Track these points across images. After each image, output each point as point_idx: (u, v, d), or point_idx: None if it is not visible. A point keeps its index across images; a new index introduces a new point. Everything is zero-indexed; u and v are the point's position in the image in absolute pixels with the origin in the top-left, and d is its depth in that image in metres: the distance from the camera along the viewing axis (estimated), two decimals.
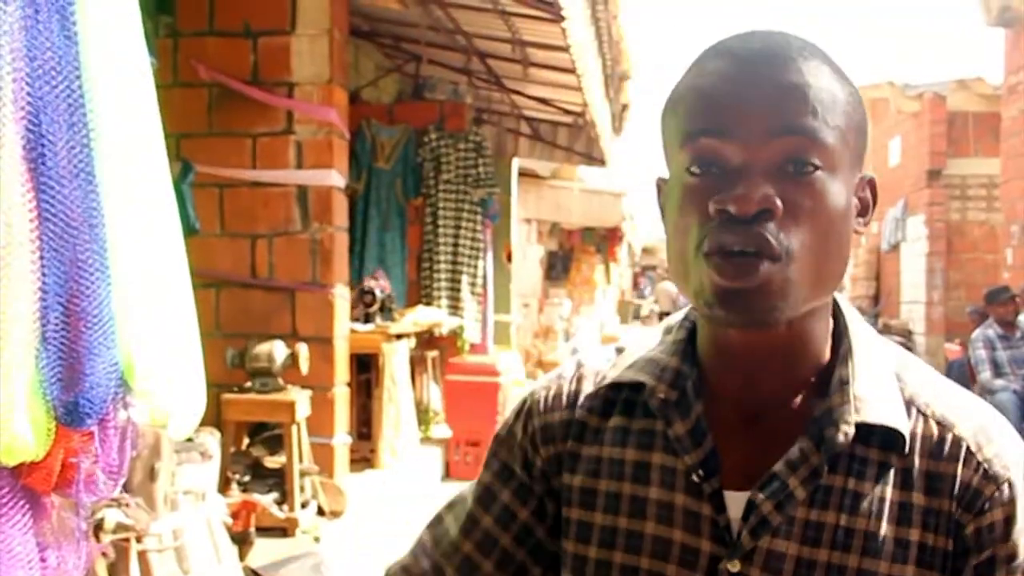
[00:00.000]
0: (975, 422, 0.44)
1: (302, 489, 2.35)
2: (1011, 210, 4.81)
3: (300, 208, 2.53)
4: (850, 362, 0.44)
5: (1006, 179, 4.94)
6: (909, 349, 6.15)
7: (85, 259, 0.66)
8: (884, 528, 0.42)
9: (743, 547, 0.43)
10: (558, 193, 6.15)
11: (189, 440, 1.90)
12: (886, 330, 6.26)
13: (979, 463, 0.43)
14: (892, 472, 0.43)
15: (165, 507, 1.69)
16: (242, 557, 2.01)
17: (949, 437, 0.43)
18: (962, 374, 4.13)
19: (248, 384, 2.35)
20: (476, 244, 3.71)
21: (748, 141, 0.41)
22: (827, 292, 0.44)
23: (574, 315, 6.83)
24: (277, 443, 2.43)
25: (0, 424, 0.63)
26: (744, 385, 0.45)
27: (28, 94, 0.63)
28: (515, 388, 3.80)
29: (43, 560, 0.71)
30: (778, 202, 0.40)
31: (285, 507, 2.30)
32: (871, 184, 0.46)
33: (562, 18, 2.52)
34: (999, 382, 3.56)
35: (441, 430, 3.51)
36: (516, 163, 4.49)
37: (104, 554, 1.45)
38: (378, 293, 3.02)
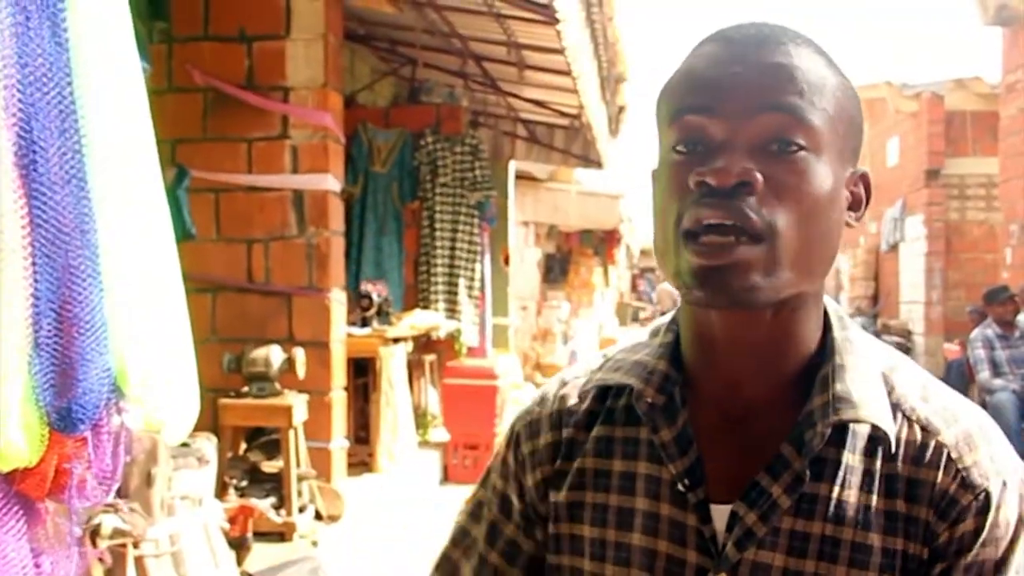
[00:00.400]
0: (961, 428, 0.43)
1: (300, 494, 2.35)
2: (1010, 209, 4.80)
3: (296, 212, 2.52)
4: (834, 361, 0.43)
5: (1005, 178, 4.93)
6: (908, 349, 6.15)
7: (77, 265, 0.66)
8: (871, 538, 0.42)
9: (729, 559, 0.43)
10: (555, 196, 6.15)
11: (186, 445, 1.89)
12: (885, 330, 6.26)
13: (958, 471, 0.42)
14: (876, 479, 0.42)
15: (162, 512, 1.68)
16: (240, 562, 2.00)
17: (932, 443, 0.42)
18: (961, 374, 4.13)
19: (245, 389, 2.35)
20: (473, 247, 3.70)
21: (731, 117, 0.40)
22: (812, 278, 0.42)
23: (572, 317, 6.83)
24: (274, 448, 2.43)
25: None
26: (728, 385, 0.44)
27: (19, 100, 0.63)
28: (513, 391, 3.80)
29: (37, 566, 0.71)
30: (758, 176, 0.39)
31: (283, 512, 2.29)
32: (864, 179, 0.45)
33: (557, 20, 2.52)
34: (998, 382, 3.55)
35: (439, 434, 3.50)
36: (513, 166, 4.49)
37: (101, 560, 1.45)
38: (375, 297, 3.02)
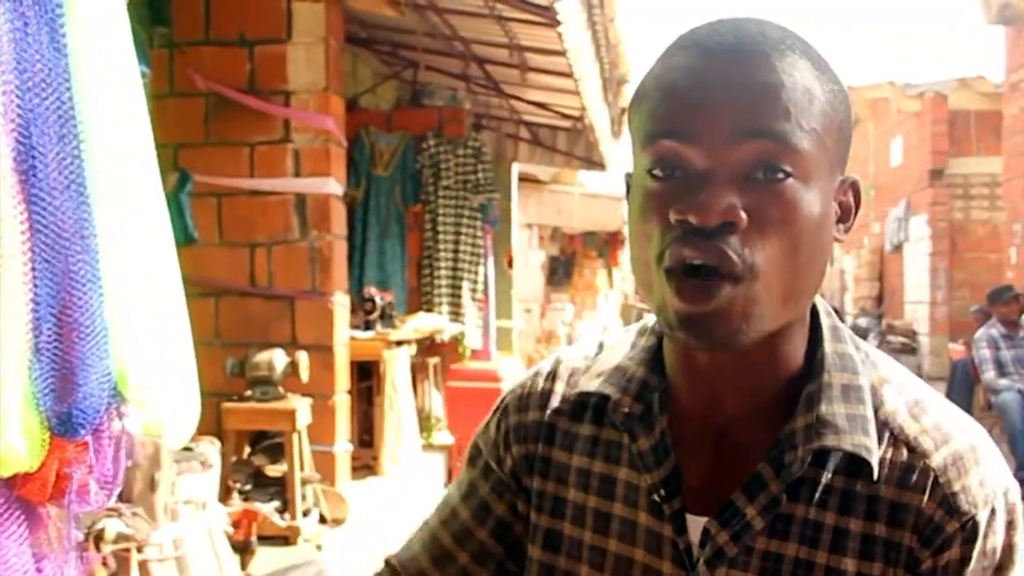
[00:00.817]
0: (951, 450, 0.41)
1: (304, 497, 2.35)
2: (1014, 209, 4.79)
3: (298, 216, 2.52)
4: (821, 379, 0.42)
5: (1008, 178, 4.92)
6: (913, 350, 6.12)
7: (77, 270, 0.66)
8: (845, 562, 0.40)
9: None
10: (559, 198, 6.14)
11: (189, 449, 1.89)
12: (890, 331, 6.23)
13: (945, 496, 0.40)
14: (857, 501, 0.41)
15: (166, 517, 1.68)
16: (243, 566, 2.00)
17: (919, 465, 0.41)
18: (966, 374, 4.10)
19: (248, 393, 2.34)
20: (476, 250, 3.69)
21: (712, 145, 0.38)
22: (799, 309, 0.41)
23: (577, 320, 6.81)
24: (278, 451, 2.42)
25: None
26: (710, 400, 0.43)
27: (18, 106, 0.63)
28: None
29: (39, 571, 0.71)
30: (742, 214, 0.37)
31: (287, 516, 2.29)
32: (854, 187, 0.43)
33: (558, 22, 2.51)
34: (1003, 382, 3.52)
35: (443, 437, 3.50)
36: (516, 168, 4.47)
37: (104, 564, 1.45)
38: (378, 300, 3.01)
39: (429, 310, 3.62)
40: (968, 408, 3.59)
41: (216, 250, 2.52)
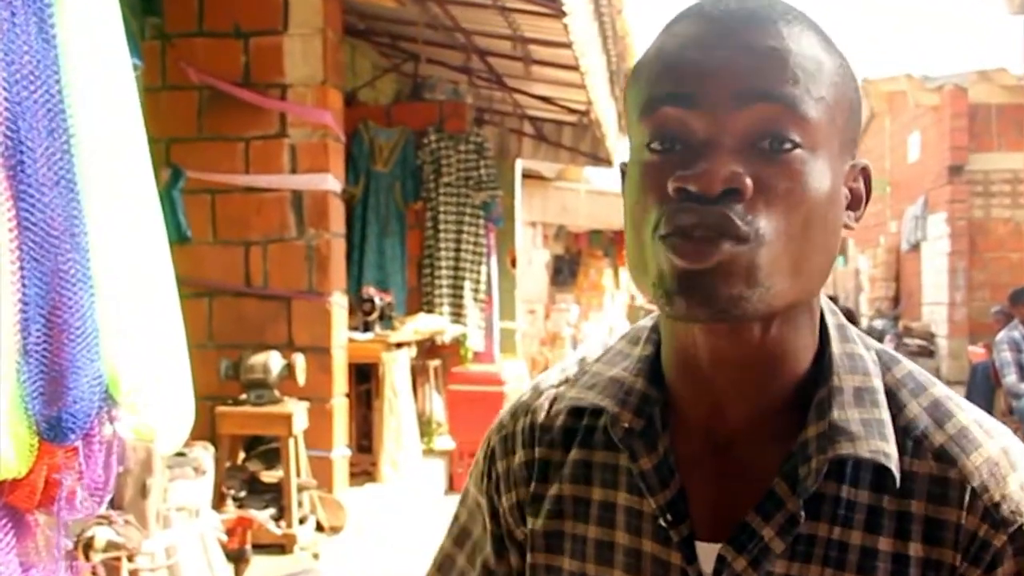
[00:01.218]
0: (983, 456, 0.38)
1: (300, 504, 2.32)
2: None
3: (295, 214, 2.47)
4: (832, 383, 0.39)
5: None
6: (931, 353, 5.97)
7: (67, 269, 0.65)
8: None
9: None
10: (564, 195, 6.08)
11: (182, 455, 1.85)
12: (907, 333, 6.11)
13: (986, 509, 0.37)
14: (885, 518, 0.38)
15: (157, 524, 1.65)
16: (238, 575, 1.94)
17: (952, 476, 0.38)
18: (986, 378, 4.01)
19: (243, 396, 2.31)
20: (479, 249, 3.66)
21: (715, 110, 0.35)
22: (806, 289, 0.38)
23: (582, 321, 6.77)
24: (274, 457, 2.38)
25: None
26: (712, 411, 0.40)
27: (5, 99, 0.61)
28: None
29: None
30: (747, 181, 0.35)
31: (282, 523, 2.27)
32: (865, 173, 0.40)
33: (563, 13, 2.44)
34: None
35: (444, 442, 3.46)
36: (519, 164, 4.45)
37: (94, 573, 1.40)
38: (377, 301, 2.95)
39: (430, 311, 3.58)
40: (988, 413, 3.48)
41: (210, 249, 2.48)
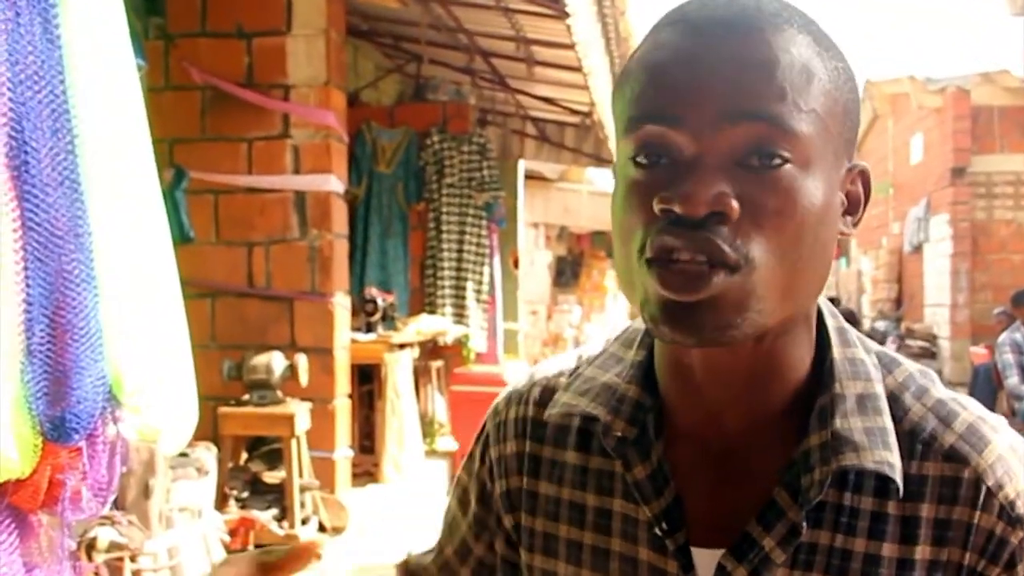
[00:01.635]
0: (994, 453, 0.38)
1: (302, 505, 2.31)
2: None
3: (298, 215, 2.47)
4: (833, 390, 0.38)
5: None
6: (933, 354, 5.94)
7: (71, 269, 0.65)
8: None
9: None
10: (566, 196, 6.08)
11: (184, 455, 1.85)
12: (909, 334, 6.10)
13: (1001, 506, 0.37)
14: (888, 524, 0.37)
15: (160, 525, 1.65)
16: None
17: (964, 476, 0.37)
18: (988, 379, 4.01)
19: (245, 397, 2.30)
20: (481, 250, 3.65)
21: (701, 129, 0.34)
22: (801, 305, 0.37)
23: (584, 322, 6.76)
24: (276, 458, 2.38)
25: None
26: (709, 419, 0.39)
27: (10, 100, 0.61)
28: None
29: None
30: (734, 203, 0.34)
31: (285, 524, 2.26)
32: (863, 175, 0.39)
33: (567, 15, 2.44)
34: None
35: (446, 443, 3.45)
36: (522, 165, 4.44)
37: (97, 574, 1.40)
38: (380, 302, 2.95)
39: (432, 312, 3.58)
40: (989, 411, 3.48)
41: (212, 249, 2.48)
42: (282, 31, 2.41)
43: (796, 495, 0.37)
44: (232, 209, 2.47)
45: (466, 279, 3.62)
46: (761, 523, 0.38)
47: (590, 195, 6.24)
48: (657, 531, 0.39)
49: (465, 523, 0.48)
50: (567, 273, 7.36)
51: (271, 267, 2.48)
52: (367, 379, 2.96)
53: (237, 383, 2.29)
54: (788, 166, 0.35)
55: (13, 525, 0.66)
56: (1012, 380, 3.50)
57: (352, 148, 3.16)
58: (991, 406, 3.90)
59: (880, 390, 0.39)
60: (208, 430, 2.16)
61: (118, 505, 1.56)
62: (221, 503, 2.15)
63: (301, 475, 2.29)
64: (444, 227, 3.59)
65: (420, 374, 3.34)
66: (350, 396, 2.63)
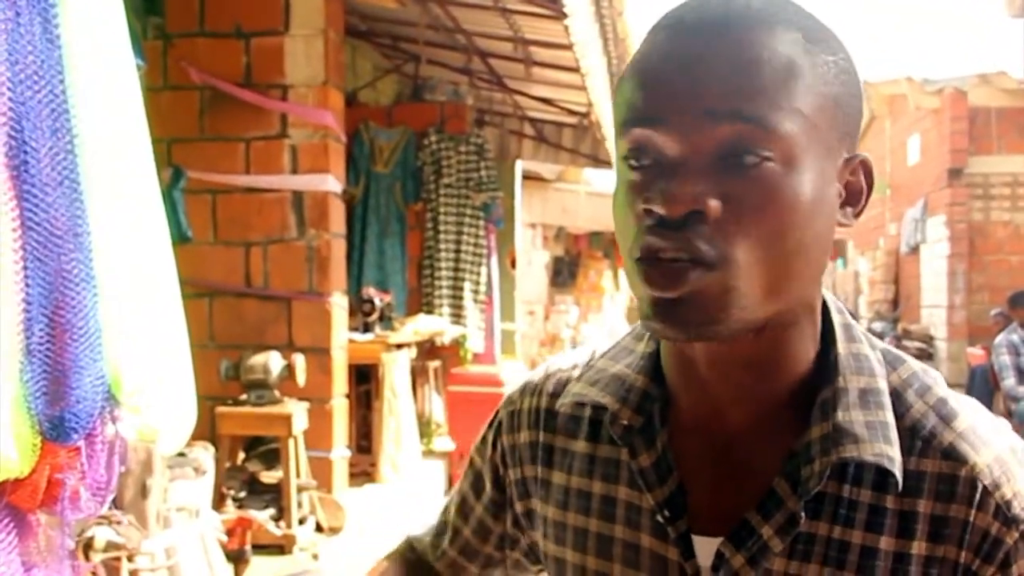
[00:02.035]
0: (992, 453, 0.38)
1: (300, 505, 2.31)
2: None
3: (296, 214, 2.47)
4: (836, 384, 0.38)
5: None
6: (929, 355, 5.96)
7: (70, 269, 0.65)
8: None
9: None
10: (564, 196, 6.08)
11: (182, 455, 1.85)
12: (906, 335, 6.10)
13: (998, 506, 0.37)
14: (887, 517, 0.38)
15: (157, 525, 1.65)
16: (238, 575, 1.94)
17: (961, 474, 0.38)
18: (985, 380, 4.01)
19: (243, 397, 2.30)
20: (479, 250, 3.65)
21: (684, 130, 0.35)
22: (795, 299, 0.38)
23: (581, 322, 6.76)
24: (273, 457, 2.38)
25: None
26: (713, 410, 0.40)
27: (9, 99, 0.61)
28: None
29: None
30: (712, 202, 0.35)
31: (282, 524, 2.25)
32: (864, 166, 0.39)
33: (565, 15, 2.44)
34: None
35: (444, 443, 3.45)
36: (520, 165, 4.43)
37: (94, 574, 1.40)
38: (377, 302, 2.95)
39: (430, 312, 3.57)
40: None
41: (210, 249, 2.47)
42: (280, 31, 2.40)
43: (796, 486, 0.38)
44: (230, 209, 2.47)
45: (463, 279, 3.62)
46: (760, 512, 0.38)
47: (588, 195, 6.24)
48: (659, 518, 0.40)
49: (480, 506, 0.49)
50: (564, 273, 7.36)
51: (269, 267, 2.48)
52: (364, 379, 2.95)
53: (235, 383, 2.29)
54: (770, 164, 0.35)
55: (12, 524, 0.66)
56: (1008, 382, 3.50)
57: (350, 148, 3.16)
58: (988, 407, 3.88)
59: (883, 385, 0.39)
60: (205, 430, 2.16)
61: (116, 505, 1.55)
62: (218, 503, 2.14)
63: (298, 475, 2.28)
64: (442, 227, 3.58)
65: (417, 374, 3.34)
66: (347, 396, 2.63)
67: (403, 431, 2.98)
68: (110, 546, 1.47)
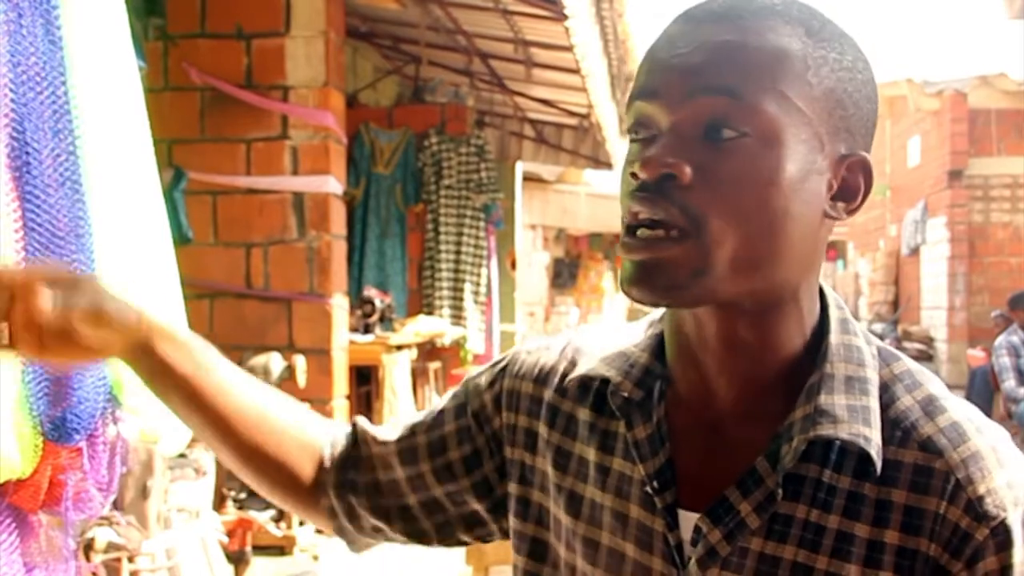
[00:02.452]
0: (971, 450, 0.38)
1: None
2: None
3: (296, 216, 2.47)
4: (824, 370, 0.39)
5: None
6: (930, 357, 5.94)
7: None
8: (848, 568, 0.37)
9: None
10: (564, 198, 6.08)
11: (183, 456, 1.84)
12: (906, 337, 6.10)
13: (969, 501, 0.37)
14: (864, 505, 0.38)
15: (158, 525, 1.64)
16: None
17: (937, 466, 0.38)
18: (985, 382, 4.01)
19: None
20: (479, 251, 3.65)
21: (671, 103, 0.38)
22: (770, 280, 0.38)
23: (582, 324, 6.75)
24: None
25: None
26: (704, 387, 0.42)
27: (12, 100, 0.61)
28: None
29: None
30: (686, 167, 0.37)
31: (283, 525, 2.26)
32: (863, 166, 0.39)
33: (565, 16, 2.44)
34: None
35: None
36: (520, 167, 4.45)
37: (95, 574, 1.40)
38: (377, 303, 2.95)
39: (430, 313, 3.58)
40: (987, 417, 3.49)
41: (211, 250, 2.48)
42: (281, 32, 2.41)
43: (776, 465, 0.38)
44: (231, 210, 2.47)
45: (464, 280, 3.63)
46: (740, 488, 0.39)
47: (588, 197, 6.24)
48: (648, 489, 0.41)
49: (450, 427, 0.48)
50: (564, 275, 7.37)
51: (269, 268, 2.49)
52: (365, 380, 2.96)
53: None
54: (747, 139, 0.36)
55: (14, 525, 0.66)
56: (1008, 383, 3.50)
57: (350, 149, 3.16)
58: (988, 409, 3.92)
59: (872, 376, 0.40)
60: None
61: (116, 506, 1.55)
62: (219, 504, 2.14)
63: None
64: (442, 228, 3.59)
65: (418, 375, 3.34)
66: (348, 397, 2.64)
67: None
68: (111, 547, 1.47)
